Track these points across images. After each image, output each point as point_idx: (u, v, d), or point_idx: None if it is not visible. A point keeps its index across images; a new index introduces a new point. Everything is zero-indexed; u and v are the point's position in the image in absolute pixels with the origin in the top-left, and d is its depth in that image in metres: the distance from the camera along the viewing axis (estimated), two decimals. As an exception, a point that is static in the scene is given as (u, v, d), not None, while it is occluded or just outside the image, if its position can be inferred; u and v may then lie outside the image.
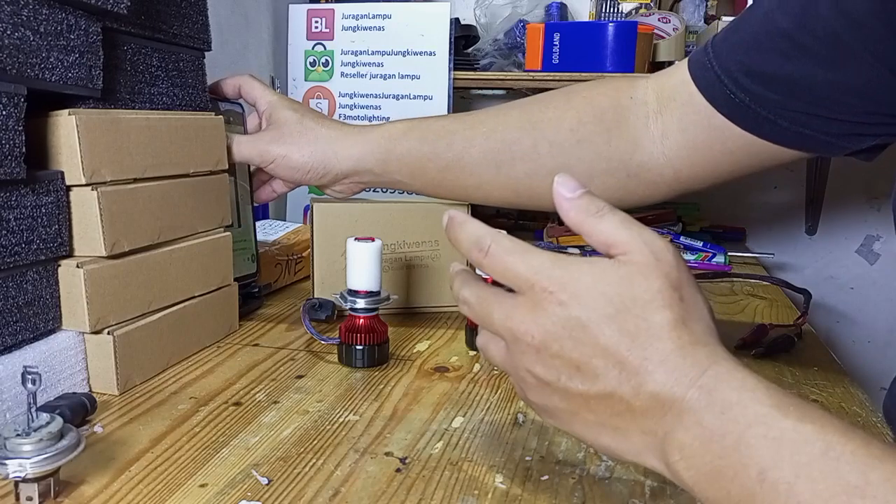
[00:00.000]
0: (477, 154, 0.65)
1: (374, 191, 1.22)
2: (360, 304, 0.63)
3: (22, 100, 0.47)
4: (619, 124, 0.62)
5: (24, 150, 0.47)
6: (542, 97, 0.68)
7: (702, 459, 0.32)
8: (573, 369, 0.34)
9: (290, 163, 0.69)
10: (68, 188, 0.53)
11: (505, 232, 0.67)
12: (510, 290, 0.37)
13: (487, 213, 1.54)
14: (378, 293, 0.64)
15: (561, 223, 1.39)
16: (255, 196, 0.79)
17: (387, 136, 0.67)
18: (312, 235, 0.77)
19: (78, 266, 0.53)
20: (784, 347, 0.70)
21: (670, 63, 1.27)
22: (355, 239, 0.63)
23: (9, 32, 0.46)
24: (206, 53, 0.70)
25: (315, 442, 0.49)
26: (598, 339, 0.34)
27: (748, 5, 0.66)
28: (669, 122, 0.61)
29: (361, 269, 0.63)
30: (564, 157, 0.63)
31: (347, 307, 0.64)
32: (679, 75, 0.60)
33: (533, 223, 1.46)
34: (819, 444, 0.29)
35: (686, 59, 0.60)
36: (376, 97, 1.20)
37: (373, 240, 0.63)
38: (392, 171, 0.67)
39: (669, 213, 1.33)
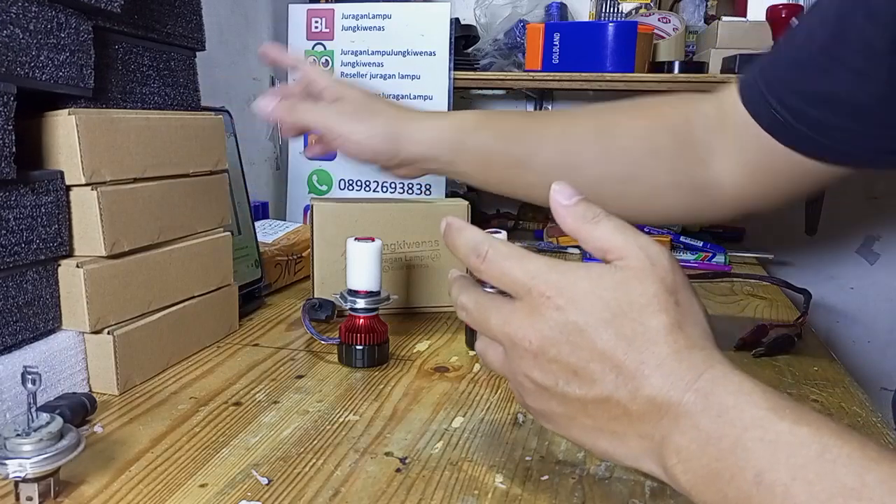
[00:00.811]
0: (547, 155, 0.63)
1: (374, 191, 1.22)
2: (360, 304, 0.63)
3: (12, 99, 0.47)
4: (687, 139, 0.61)
5: (14, 149, 0.47)
6: (614, 105, 0.66)
7: (698, 462, 0.32)
8: (570, 374, 0.34)
9: (359, 140, 0.64)
10: (68, 188, 0.53)
11: (504, 235, 0.67)
12: (509, 296, 0.37)
13: (488, 213, 1.54)
14: (378, 293, 0.64)
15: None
16: (307, 150, 0.74)
17: (458, 126, 0.65)
18: (312, 235, 0.77)
19: (78, 266, 0.53)
20: (784, 347, 0.70)
21: (670, 63, 1.27)
22: (355, 239, 0.63)
23: None
24: (206, 53, 0.70)
25: (315, 442, 0.49)
26: (596, 343, 0.34)
27: (793, 24, 0.66)
28: (729, 141, 0.60)
29: (361, 269, 0.63)
30: (634, 167, 0.62)
31: (347, 307, 0.64)
32: (734, 93, 0.59)
33: (533, 223, 1.46)
34: (815, 446, 0.29)
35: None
36: (376, 97, 1.20)
37: (373, 240, 0.63)
38: (460, 161, 0.64)
39: (669, 213, 1.33)
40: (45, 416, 0.41)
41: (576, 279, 0.35)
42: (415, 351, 0.69)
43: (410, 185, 1.20)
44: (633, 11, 1.43)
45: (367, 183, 1.23)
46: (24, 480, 0.39)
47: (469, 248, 0.39)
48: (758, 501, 0.30)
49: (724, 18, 1.31)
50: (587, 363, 0.34)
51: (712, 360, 0.33)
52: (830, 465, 0.29)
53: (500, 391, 0.59)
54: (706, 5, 1.46)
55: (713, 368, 0.33)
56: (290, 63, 0.75)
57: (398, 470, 0.45)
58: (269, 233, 0.97)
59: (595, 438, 0.36)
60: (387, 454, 0.47)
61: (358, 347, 0.63)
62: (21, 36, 0.48)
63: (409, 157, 0.65)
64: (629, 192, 0.62)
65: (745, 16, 1.30)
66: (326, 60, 1.22)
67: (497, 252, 0.37)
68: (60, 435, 0.40)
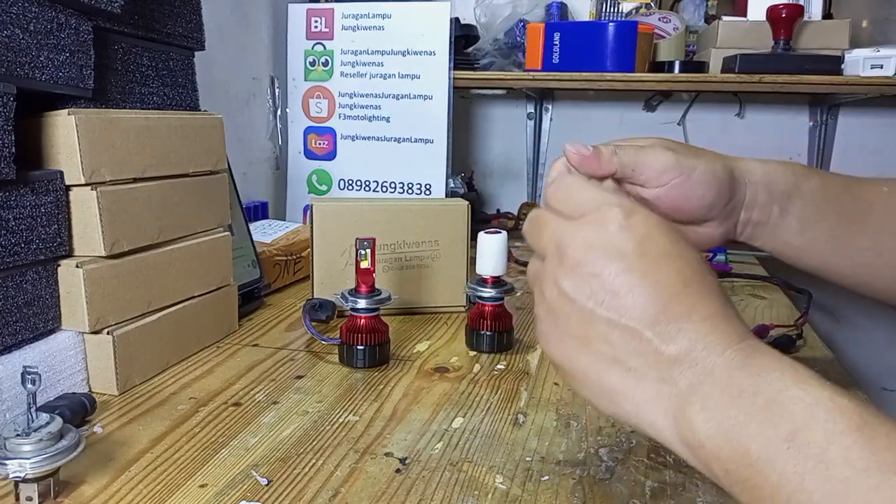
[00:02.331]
0: (881, 216, 0.53)
1: (373, 191, 1.22)
2: (361, 303, 0.63)
3: (11, 99, 0.47)
4: None
5: (13, 149, 0.47)
6: None
7: (726, 413, 0.30)
8: (609, 294, 0.33)
9: (699, 177, 0.49)
10: (68, 188, 0.53)
11: (504, 235, 0.67)
12: None
13: (488, 213, 1.54)
14: (503, 281, 0.69)
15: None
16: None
17: (788, 168, 0.53)
18: (312, 235, 0.77)
19: (77, 266, 0.53)
20: (784, 347, 0.70)
21: (670, 63, 1.27)
22: (485, 232, 0.68)
23: None
24: (206, 53, 0.70)
25: (315, 442, 0.49)
26: (651, 273, 0.32)
27: None
28: None
29: (491, 257, 0.67)
30: None
31: (348, 307, 0.64)
32: None
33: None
34: (856, 418, 0.28)
35: None
36: (376, 97, 1.20)
37: (499, 232, 0.68)
38: (792, 208, 0.53)
39: (669, 213, 1.33)
40: (44, 417, 0.41)
41: (650, 211, 0.34)
42: (415, 351, 0.69)
43: (410, 185, 1.20)
44: (634, 11, 1.43)
45: (367, 183, 1.23)
46: (24, 480, 0.39)
47: (549, 181, 0.39)
48: (783, 461, 0.28)
49: (725, 18, 1.30)
50: (632, 288, 0.32)
51: (752, 336, 0.33)
52: (869, 439, 0.27)
53: (500, 391, 0.59)
54: (706, 5, 1.46)
55: (754, 339, 0.32)
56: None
57: (398, 470, 0.45)
58: (268, 233, 0.97)
59: (605, 370, 0.33)
60: (387, 454, 0.47)
61: (359, 347, 0.63)
62: (21, 36, 0.48)
63: (743, 202, 0.52)
64: None
65: (745, 15, 1.30)
66: (326, 60, 1.22)
67: (570, 176, 0.38)
68: (60, 435, 0.40)
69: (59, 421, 0.41)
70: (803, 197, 0.52)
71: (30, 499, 0.40)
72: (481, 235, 0.68)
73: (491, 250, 0.68)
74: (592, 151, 0.45)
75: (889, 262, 0.53)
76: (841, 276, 0.54)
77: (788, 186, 0.51)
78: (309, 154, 1.25)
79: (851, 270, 0.54)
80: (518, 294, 0.92)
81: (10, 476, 0.38)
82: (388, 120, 1.20)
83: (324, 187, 1.25)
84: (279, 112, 1.25)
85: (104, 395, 0.55)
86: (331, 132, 1.23)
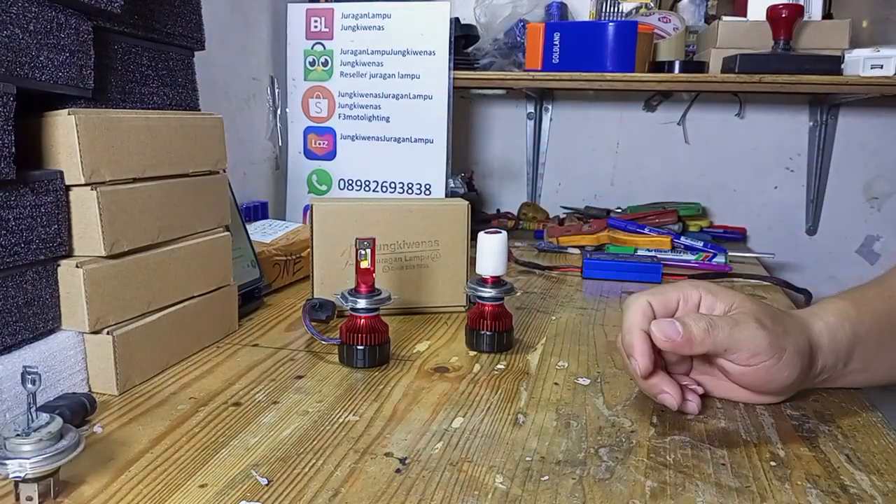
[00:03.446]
0: None
1: (373, 191, 1.22)
2: (361, 303, 0.63)
3: (11, 99, 0.47)
4: None
5: (13, 150, 0.47)
6: None
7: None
8: None
9: (786, 360, 0.50)
10: (67, 188, 0.53)
11: (504, 235, 0.68)
12: None
13: (488, 213, 1.54)
14: (503, 281, 0.69)
15: (561, 223, 1.39)
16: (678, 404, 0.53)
17: (844, 314, 0.54)
18: (312, 235, 0.77)
19: (77, 266, 0.53)
20: (784, 347, 0.70)
21: (670, 63, 1.27)
22: (485, 232, 0.68)
23: None
24: (206, 53, 0.70)
25: (315, 442, 0.49)
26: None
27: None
28: None
29: (491, 257, 0.67)
30: None
31: (348, 307, 0.64)
32: None
33: (533, 223, 1.46)
34: None
35: None
36: (376, 97, 1.20)
37: (499, 232, 0.68)
38: (856, 355, 0.54)
39: (671, 214, 1.33)
40: (44, 417, 0.40)
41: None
42: (415, 351, 0.69)
43: (410, 185, 1.20)
44: (634, 11, 1.43)
45: (367, 183, 1.23)
46: (24, 480, 0.39)
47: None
48: None
49: (725, 18, 1.31)
50: None
51: None
52: None
53: (500, 391, 0.59)
54: (706, 5, 1.47)
55: None
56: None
57: (398, 470, 0.45)
58: (268, 233, 0.97)
59: None
60: (387, 454, 0.47)
61: (359, 347, 0.63)
62: (21, 36, 0.48)
63: (816, 373, 0.53)
64: None
65: (745, 15, 1.30)
66: (326, 60, 1.22)
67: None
68: (60, 435, 0.40)
69: (59, 421, 0.41)
70: (862, 343, 0.53)
71: (30, 499, 0.40)
72: (481, 235, 0.68)
73: (491, 250, 0.68)
74: (683, 335, 0.48)
75: None
76: None
77: (849, 342, 0.53)
78: (309, 154, 1.25)
79: None
80: (518, 294, 0.92)
81: (10, 476, 0.38)
82: (387, 120, 1.20)
83: (324, 187, 1.25)
84: (279, 112, 1.25)
85: (104, 395, 0.55)
86: (331, 132, 1.23)
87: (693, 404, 0.53)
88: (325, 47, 1.21)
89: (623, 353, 0.54)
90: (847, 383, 0.56)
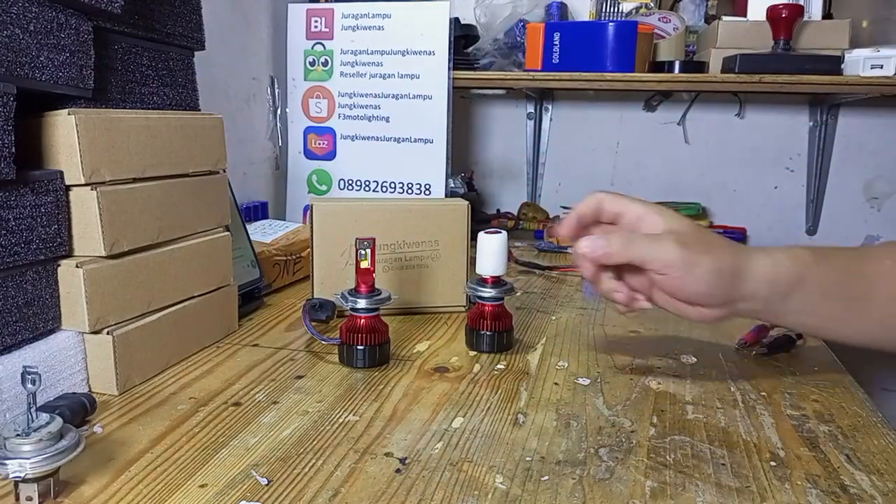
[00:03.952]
0: (886, 286, 0.56)
1: (373, 191, 1.22)
2: (361, 303, 0.63)
3: (11, 99, 0.47)
4: None
5: (13, 150, 0.47)
6: None
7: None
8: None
9: (700, 275, 0.54)
10: (67, 188, 0.53)
11: (504, 235, 0.68)
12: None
13: (488, 213, 1.54)
14: (503, 281, 0.69)
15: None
16: (627, 304, 0.60)
17: (796, 258, 0.56)
18: (312, 235, 0.77)
19: (77, 266, 0.53)
20: (784, 347, 0.70)
21: (670, 63, 1.27)
22: (485, 232, 0.68)
23: None
24: (206, 53, 0.70)
25: (315, 442, 0.49)
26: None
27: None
28: None
29: (491, 257, 0.68)
30: None
31: (348, 307, 0.64)
32: None
33: (532, 223, 1.46)
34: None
35: None
36: (376, 97, 1.20)
37: (499, 232, 0.68)
38: (795, 298, 0.55)
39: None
40: (44, 417, 0.40)
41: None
42: (415, 351, 0.69)
43: (410, 186, 1.20)
44: (634, 11, 1.43)
45: (367, 183, 1.23)
46: (24, 480, 0.39)
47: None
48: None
49: (725, 18, 1.31)
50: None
51: None
52: None
53: (500, 391, 0.59)
54: (706, 5, 1.46)
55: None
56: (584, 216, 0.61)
57: (398, 470, 0.45)
58: (268, 233, 0.97)
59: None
60: (387, 454, 0.47)
61: (359, 347, 0.63)
62: (21, 36, 0.48)
63: (744, 295, 0.55)
64: None
65: (745, 15, 1.30)
66: (326, 60, 1.22)
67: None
68: (60, 435, 0.40)
69: (59, 421, 0.41)
70: (806, 289, 0.55)
71: (30, 499, 0.40)
72: (481, 235, 0.68)
73: (491, 250, 0.68)
74: (602, 252, 0.55)
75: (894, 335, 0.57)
76: (851, 343, 0.58)
77: (791, 279, 0.55)
78: (309, 154, 1.25)
79: (858, 341, 0.58)
80: (518, 294, 0.92)
81: (10, 476, 0.38)
82: (387, 120, 1.20)
83: (324, 187, 1.25)
84: (279, 112, 1.25)
85: (104, 395, 0.55)
86: (331, 132, 1.23)
87: (643, 302, 0.59)
88: (325, 47, 1.21)
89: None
90: (790, 324, 0.59)
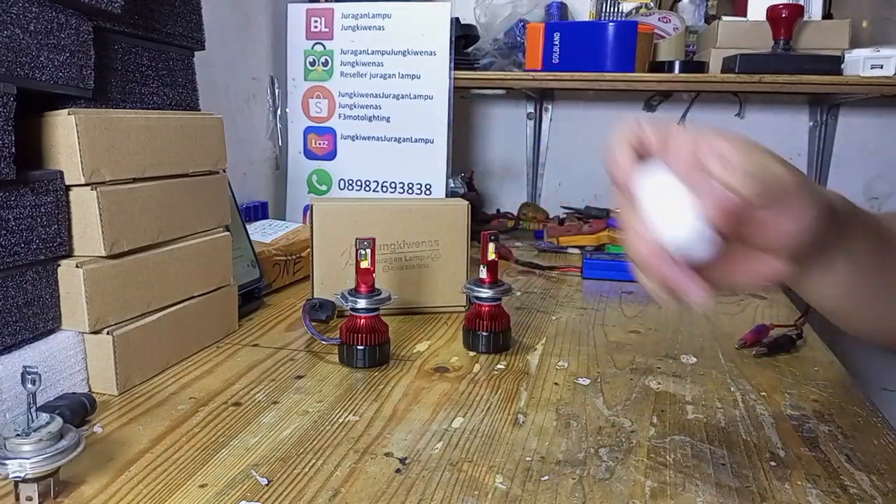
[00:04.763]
0: None
1: (373, 191, 1.22)
2: (361, 303, 0.63)
3: (11, 99, 0.47)
4: None
5: (13, 150, 0.47)
6: None
7: None
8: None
9: (804, 199, 0.39)
10: (67, 188, 0.53)
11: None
12: None
13: (488, 213, 1.54)
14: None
15: (561, 223, 1.39)
16: (740, 283, 0.42)
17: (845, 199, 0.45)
18: (312, 235, 0.77)
19: (77, 266, 0.53)
20: (785, 347, 0.70)
21: (670, 63, 1.27)
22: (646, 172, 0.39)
23: None
24: (206, 53, 0.70)
25: (315, 442, 0.49)
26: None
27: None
28: None
29: (668, 209, 0.38)
30: None
31: (348, 307, 0.64)
32: None
33: (533, 223, 1.46)
34: None
35: None
36: (376, 97, 1.20)
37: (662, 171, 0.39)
38: (853, 229, 0.44)
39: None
40: (44, 416, 0.40)
41: None
42: (415, 351, 0.69)
43: (410, 185, 1.20)
44: (634, 11, 1.43)
45: (367, 183, 1.23)
46: (24, 480, 0.39)
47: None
48: None
49: (725, 18, 1.31)
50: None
51: None
52: None
53: (499, 391, 0.59)
54: (706, 5, 1.46)
55: None
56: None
57: (398, 470, 0.45)
58: (268, 233, 0.97)
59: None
60: (387, 454, 0.47)
61: (359, 347, 0.63)
62: (21, 36, 0.48)
63: (824, 203, 0.41)
64: None
65: (745, 15, 1.30)
66: (326, 60, 1.21)
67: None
68: (60, 435, 0.40)
69: (59, 421, 0.41)
70: (854, 222, 0.44)
71: (30, 499, 0.40)
72: (642, 177, 0.39)
73: (664, 198, 0.38)
74: (732, 172, 0.37)
75: None
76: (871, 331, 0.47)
77: (847, 207, 0.44)
78: (309, 154, 1.25)
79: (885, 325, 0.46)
80: (518, 294, 0.92)
81: (10, 476, 0.38)
82: (388, 120, 1.20)
83: (324, 187, 1.25)
84: (279, 112, 1.25)
85: (104, 395, 0.55)
86: (331, 132, 1.23)
87: (701, 290, 0.39)
88: (325, 47, 1.21)
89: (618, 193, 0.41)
90: (832, 285, 0.44)
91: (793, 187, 0.38)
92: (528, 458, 0.47)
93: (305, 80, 1.23)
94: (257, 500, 0.41)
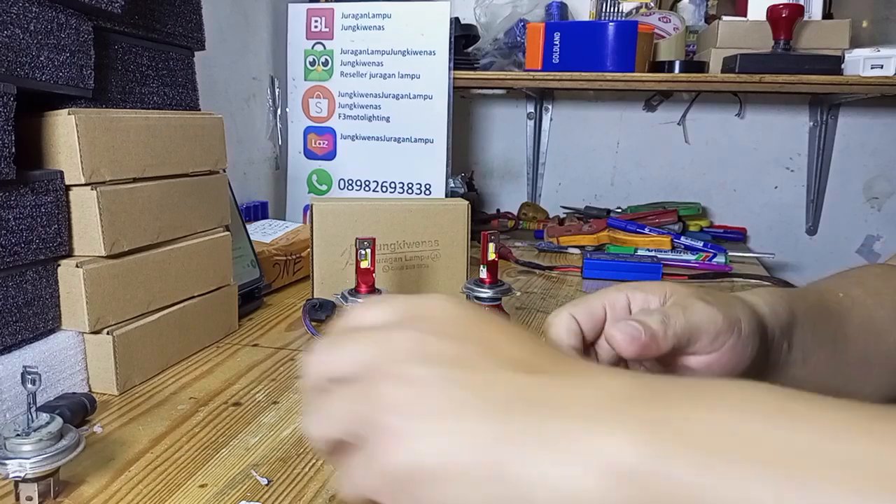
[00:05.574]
0: (856, 320, 0.48)
1: (373, 191, 1.22)
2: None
3: (11, 99, 0.47)
4: None
5: (13, 149, 0.47)
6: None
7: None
8: None
9: (745, 333, 0.41)
10: (67, 188, 0.53)
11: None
12: None
13: (488, 213, 1.54)
14: None
15: (561, 223, 1.39)
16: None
17: (781, 296, 0.47)
18: (312, 235, 0.77)
19: (77, 266, 0.53)
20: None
21: (671, 63, 1.27)
22: None
23: None
24: (206, 52, 0.70)
25: (315, 442, 0.49)
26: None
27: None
28: None
29: None
30: None
31: (348, 307, 0.64)
32: None
33: (533, 223, 1.46)
34: None
35: None
36: (376, 97, 1.20)
37: None
38: (797, 328, 0.46)
39: (671, 214, 1.33)
40: (44, 416, 0.40)
41: None
42: (415, 351, 0.68)
43: (410, 186, 1.20)
44: (634, 11, 1.43)
45: (367, 183, 1.23)
46: (24, 480, 0.39)
47: None
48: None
49: (725, 18, 1.30)
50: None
51: None
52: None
53: (500, 391, 0.59)
54: (706, 5, 1.46)
55: None
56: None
57: (398, 470, 0.45)
58: (268, 233, 0.97)
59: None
60: (387, 454, 0.47)
61: (358, 347, 0.63)
62: (21, 36, 0.48)
63: (772, 341, 0.44)
64: None
65: (745, 15, 1.30)
66: (326, 60, 1.21)
67: None
68: (60, 435, 0.40)
69: (59, 421, 0.41)
70: (800, 324, 0.45)
71: (30, 499, 0.40)
72: None
73: None
74: (647, 335, 0.39)
75: (876, 369, 0.48)
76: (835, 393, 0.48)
77: (789, 318, 0.45)
78: (309, 154, 1.25)
79: (847, 387, 0.48)
80: (518, 294, 0.92)
81: (10, 476, 0.38)
82: (388, 120, 1.20)
83: (324, 187, 1.25)
84: (279, 112, 1.25)
85: (104, 395, 0.55)
86: (331, 132, 1.23)
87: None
88: (325, 47, 1.21)
89: None
90: (788, 379, 0.46)
91: (721, 326, 0.40)
92: (528, 458, 0.47)
93: (305, 79, 1.23)
94: (257, 500, 0.41)
